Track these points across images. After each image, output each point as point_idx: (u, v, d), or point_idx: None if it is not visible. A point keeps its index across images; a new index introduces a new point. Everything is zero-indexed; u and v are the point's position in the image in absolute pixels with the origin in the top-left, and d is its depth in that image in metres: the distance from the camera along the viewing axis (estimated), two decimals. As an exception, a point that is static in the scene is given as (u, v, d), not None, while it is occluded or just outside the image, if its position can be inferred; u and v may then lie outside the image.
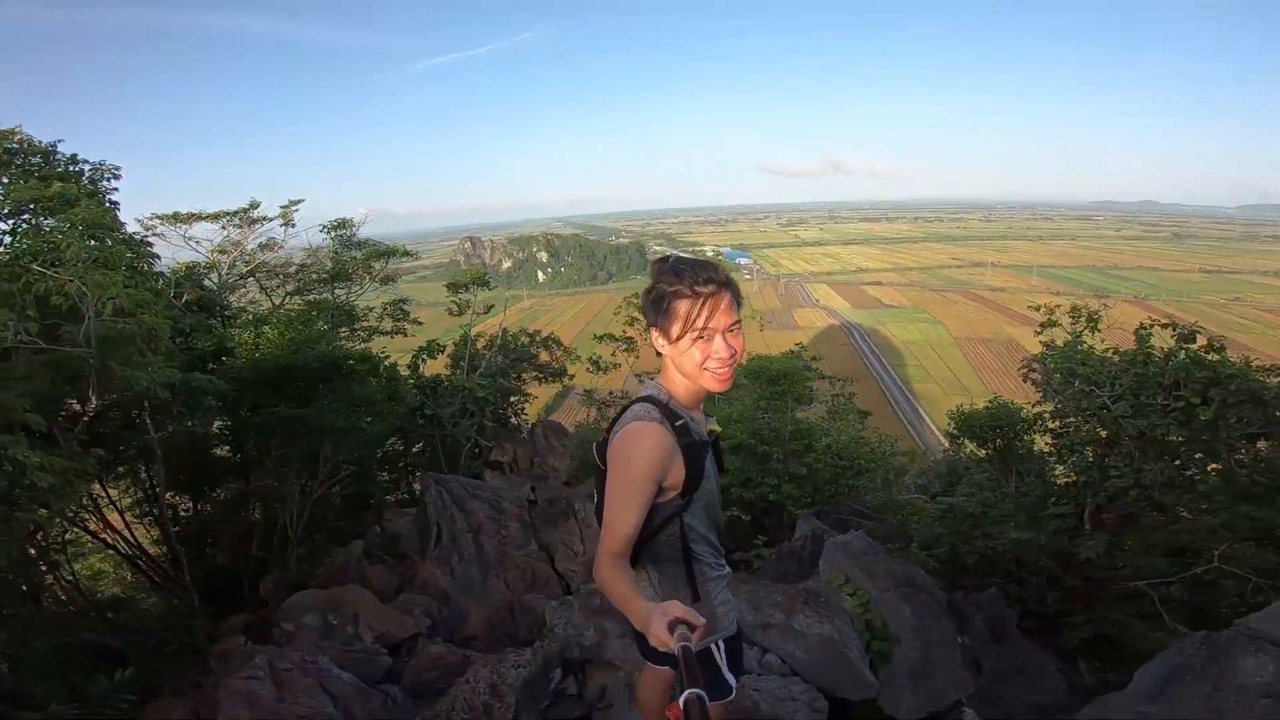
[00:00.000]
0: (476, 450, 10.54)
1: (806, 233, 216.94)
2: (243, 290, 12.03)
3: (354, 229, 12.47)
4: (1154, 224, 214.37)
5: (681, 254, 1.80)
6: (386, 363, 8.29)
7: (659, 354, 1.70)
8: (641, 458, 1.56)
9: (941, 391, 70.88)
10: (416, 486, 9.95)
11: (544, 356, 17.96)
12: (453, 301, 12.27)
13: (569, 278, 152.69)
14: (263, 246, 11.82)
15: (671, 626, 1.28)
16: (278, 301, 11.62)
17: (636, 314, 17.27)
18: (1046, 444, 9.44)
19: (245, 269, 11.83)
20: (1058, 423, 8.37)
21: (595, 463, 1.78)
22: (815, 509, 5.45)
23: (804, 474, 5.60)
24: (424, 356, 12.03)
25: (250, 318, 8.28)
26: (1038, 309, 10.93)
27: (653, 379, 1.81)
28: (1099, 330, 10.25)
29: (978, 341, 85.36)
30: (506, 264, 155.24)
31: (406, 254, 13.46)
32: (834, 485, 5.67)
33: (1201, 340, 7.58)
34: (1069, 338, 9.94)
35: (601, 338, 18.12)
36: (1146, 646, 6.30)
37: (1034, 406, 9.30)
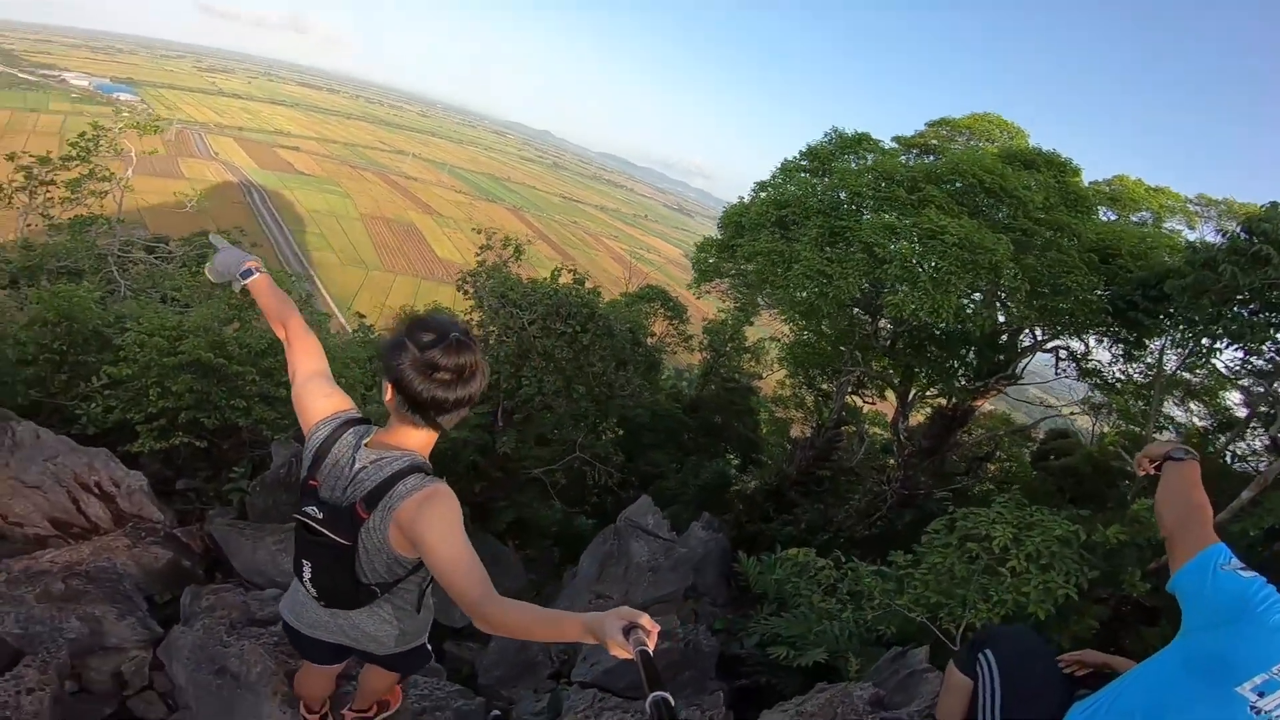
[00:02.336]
0: None
1: (229, 83, 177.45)
2: None
3: None
4: (544, 151, 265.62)
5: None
6: None
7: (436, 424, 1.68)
8: (457, 513, 1.61)
9: (339, 262, 71.96)
10: None
11: None
12: None
13: None
14: None
15: (626, 632, 1.28)
16: None
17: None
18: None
19: None
20: (482, 331, 10.11)
21: (321, 534, 1.67)
22: (291, 432, 5.25)
23: (284, 394, 5.28)
24: None
25: None
26: (479, 231, 12.63)
27: (373, 446, 1.71)
28: (520, 259, 12.65)
29: (382, 220, 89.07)
30: None
31: None
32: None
33: (590, 283, 10.39)
34: (498, 261, 11.93)
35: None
36: (545, 524, 8.65)
37: (465, 313, 10.90)
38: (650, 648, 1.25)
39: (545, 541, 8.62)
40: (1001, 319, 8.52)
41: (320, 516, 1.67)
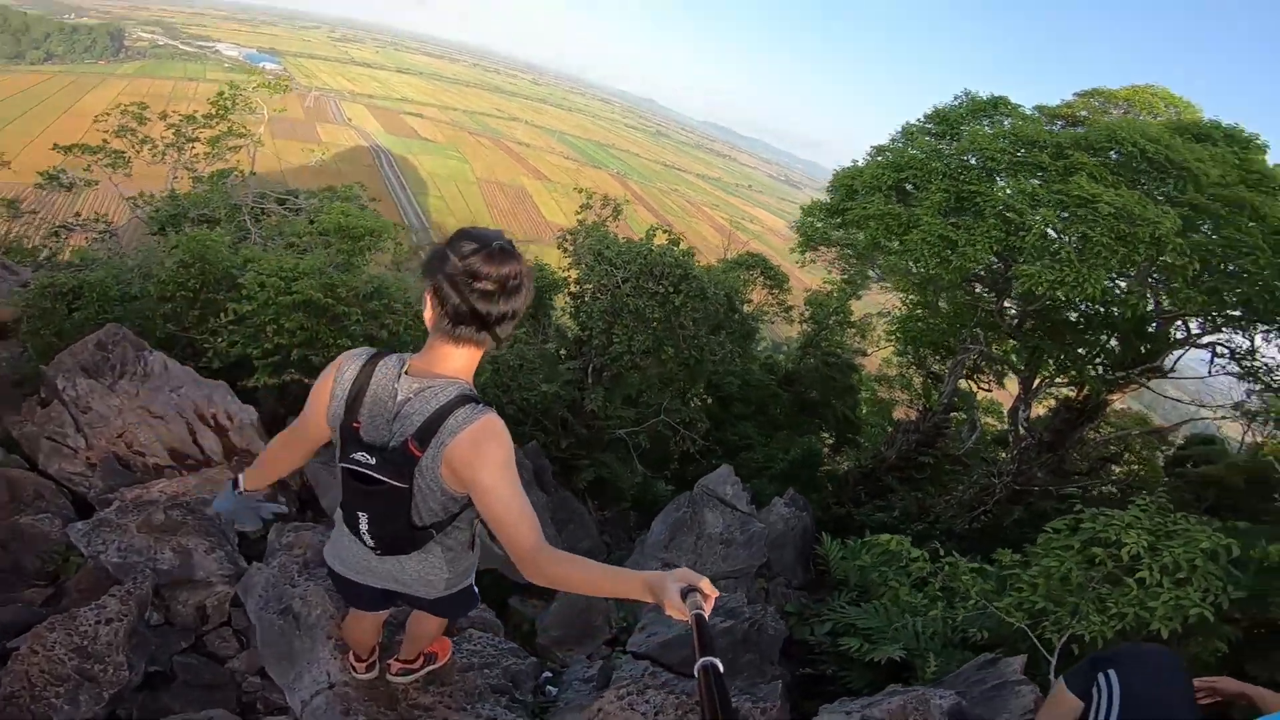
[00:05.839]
0: None
1: (360, 52, 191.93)
2: None
3: None
4: (648, 119, 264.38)
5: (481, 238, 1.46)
6: None
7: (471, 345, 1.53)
8: (510, 450, 1.52)
9: (457, 223, 76.32)
10: None
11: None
12: None
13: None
14: None
15: (684, 594, 1.26)
16: None
17: (135, 123, 12.66)
18: (564, 302, 11.33)
19: None
20: (578, 287, 10.15)
21: (378, 481, 1.57)
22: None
23: (385, 336, 5.48)
24: None
25: None
26: (579, 191, 12.65)
27: (415, 374, 1.57)
28: (619, 219, 12.58)
29: (495, 184, 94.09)
30: None
31: None
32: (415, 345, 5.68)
33: (685, 244, 10.13)
34: (597, 220, 11.93)
35: (70, 149, 12.80)
36: (625, 485, 8.65)
37: (563, 270, 11.00)
38: (706, 613, 1.24)
39: (623, 504, 8.61)
40: (1154, 304, 7.44)
41: (372, 462, 1.55)
